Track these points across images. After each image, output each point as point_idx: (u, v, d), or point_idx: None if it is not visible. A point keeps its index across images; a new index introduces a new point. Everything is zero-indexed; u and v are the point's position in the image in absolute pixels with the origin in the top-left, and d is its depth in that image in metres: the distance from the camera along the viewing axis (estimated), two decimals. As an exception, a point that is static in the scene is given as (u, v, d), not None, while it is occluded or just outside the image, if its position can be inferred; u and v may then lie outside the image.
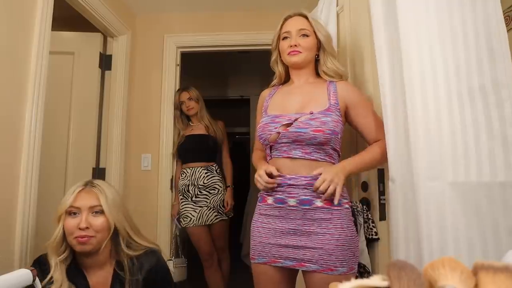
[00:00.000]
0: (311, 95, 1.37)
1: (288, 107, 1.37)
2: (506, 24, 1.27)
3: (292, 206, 1.27)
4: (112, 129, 2.49)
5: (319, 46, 1.42)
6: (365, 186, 1.49)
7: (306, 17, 1.42)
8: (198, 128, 2.71)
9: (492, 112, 0.95)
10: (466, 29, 0.99)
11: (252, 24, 2.77)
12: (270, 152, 1.37)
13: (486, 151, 0.94)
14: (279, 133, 1.30)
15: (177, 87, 2.79)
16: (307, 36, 1.39)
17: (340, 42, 1.78)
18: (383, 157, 1.24)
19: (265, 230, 1.33)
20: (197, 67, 3.85)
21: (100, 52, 2.48)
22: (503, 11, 0.99)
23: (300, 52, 1.38)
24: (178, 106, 2.72)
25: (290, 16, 1.44)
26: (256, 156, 1.53)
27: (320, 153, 1.29)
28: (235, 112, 4.98)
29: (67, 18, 2.24)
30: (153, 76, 2.76)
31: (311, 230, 1.24)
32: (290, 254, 1.27)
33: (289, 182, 1.28)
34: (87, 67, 2.42)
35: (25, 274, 1.02)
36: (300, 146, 1.29)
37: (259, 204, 1.39)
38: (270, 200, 1.33)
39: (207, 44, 2.81)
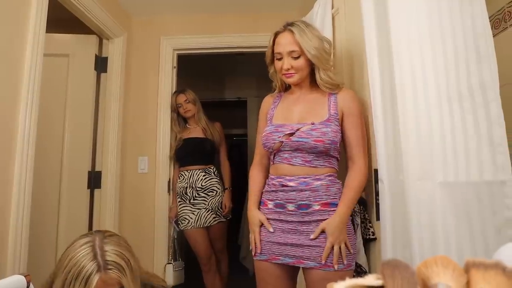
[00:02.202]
0: (313, 105, 1.43)
1: (291, 116, 1.43)
2: (495, 26, 1.30)
3: (291, 211, 1.35)
4: (108, 131, 2.48)
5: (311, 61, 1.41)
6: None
7: (293, 33, 1.39)
8: (195, 131, 2.70)
9: (479, 113, 0.97)
10: (455, 32, 1.02)
11: (248, 26, 2.77)
12: (273, 158, 1.44)
13: (474, 151, 0.96)
14: (282, 142, 1.37)
15: (174, 89, 2.79)
16: (298, 57, 1.38)
17: (336, 45, 1.78)
18: (365, 182, 1.36)
19: (265, 229, 1.40)
20: (194, 69, 3.84)
21: (95, 54, 2.47)
22: (493, 14, 1.03)
23: (295, 73, 1.41)
24: (175, 109, 2.70)
25: (279, 32, 1.43)
26: (252, 178, 1.55)
27: (320, 160, 1.35)
28: (232, 114, 4.98)
29: (63, 21, 2.23)
30: (149, 78, 2.75)
31: (309, 230, 1.31)
32: (289, 252, 1.33)
33: (289, 183, 1.36)
34: (82, 69, 2.41)
35: (19, 280, 1.01)
36: (301, 154, 1.36)
37: (261, 207, 1.46)
38: (270, 205, 1.40)
39: (204, 46, 2.81)
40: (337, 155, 1.40)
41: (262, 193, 1.48)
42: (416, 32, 1.06)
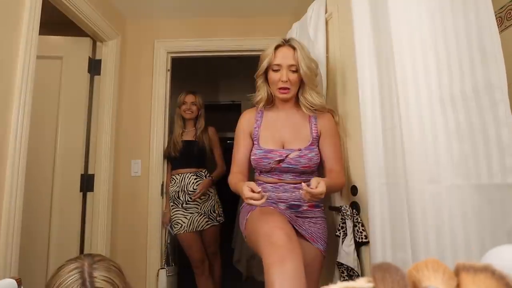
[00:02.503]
0: (297, 128, 1.56)
1: (278, 140, 1.54)
2: (498, 25, 1.27)
3: (282, 209, 1.47)
4: (101, 134, 2.46)
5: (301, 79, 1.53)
6: (354, 190, 1.50)
7: (295, 49, 1.49)
8: (187, 134, 2.71)
9: (486, 114, 0.93)
10: (459, 31, 0.98)
11: (242, 30, 2.78)
12: (261, 173, 1.55)
13: (482, 154, 0.93)
14: (272, 167, 1.48)
15: (168, 92, 2.79)
16: (295, 71, 1.50)
17: (330, 48, 1.80)
18: (343, 185, 1.51)
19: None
20: (188, 73, 3.84)
21: (89, 57, 2.46)
22: (495, 12, 0.99)
23: (289, 89, 1.51)
24: (180, 106, 2.74)
25: (279, 46, 1.51)
26: (234, 179, 1.51)
27: (306, 174, 1.51)
28: (226, 117, 4.98)
29: (56, 23, 2.22)
30: (143, 81, 2.75)
31: (301, 221, 1.48)
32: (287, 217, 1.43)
33: (280, 187, 1.50)
34: (75, 72, 2.40)
35: (10, 283, 1.00)
36: (290, 173, 1.50)
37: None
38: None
39: (198, 50, 2.81)
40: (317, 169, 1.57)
41: None
42: (419, 32, 1.03)
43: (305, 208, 1.50)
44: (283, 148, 1.52)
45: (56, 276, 0.96)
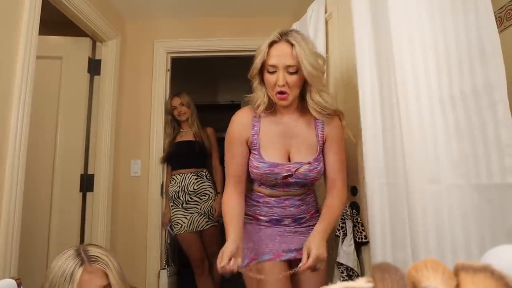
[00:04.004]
0: (303, 136, 1.37)
1: (283, 150, 1.36)
2: (498, 25, 1.26)
3: (287, 224, 1.40)
4: (101, 134, 2.47)
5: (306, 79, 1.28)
6: (354, 191, 1.50)
7: (293, 45, 1.23)
8: (187, 135, 2.71)
9: (486, 114, 0.93)
10: (458, 31, 0.98)
11: (242, 30, 2.78)
12: (261, 183, 1.41)
13: (481, 153, 0.93)
14: (278, 182, 1.36)
15: (168, 92, 2.79)
16: (295, 72, 1.25)
17: (330, 48, 1.80)
18: (343, 207, 1.40)
19: (264, 235, 1.39)
20: (188, 73, 3.84)
21: (89, 57, 2.46)
22: (494, 12, 0.99)
23: (288, 95, 1.27)
24: (170, 112, 2.72)
25: (275, 42, 1.26)
26: (228, 209, 1.33)
27: (310, 185, 1.43)
28: (225, 117, 4.98)
29: (56, 23, 2.22)
30: (143, 81, 2.75)
31: (302, 231, 1.41)
32: (291, 246, 1.36)
33: (285, 202, 1.39)
34: (75, 72, 2.40)
35: (10, 283, 1.00)
36: (296, 185, 1.38)
37: (251, 221, 1.43)
38: (263, 219, 1.41)
39: (197, 50, 2.82)
40: None
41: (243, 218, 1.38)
42: (418, 32, 1.03)
43: (307, 217, 1.43)
44: (289, 159, 1.35)
45: (53, 261, 1.09)
